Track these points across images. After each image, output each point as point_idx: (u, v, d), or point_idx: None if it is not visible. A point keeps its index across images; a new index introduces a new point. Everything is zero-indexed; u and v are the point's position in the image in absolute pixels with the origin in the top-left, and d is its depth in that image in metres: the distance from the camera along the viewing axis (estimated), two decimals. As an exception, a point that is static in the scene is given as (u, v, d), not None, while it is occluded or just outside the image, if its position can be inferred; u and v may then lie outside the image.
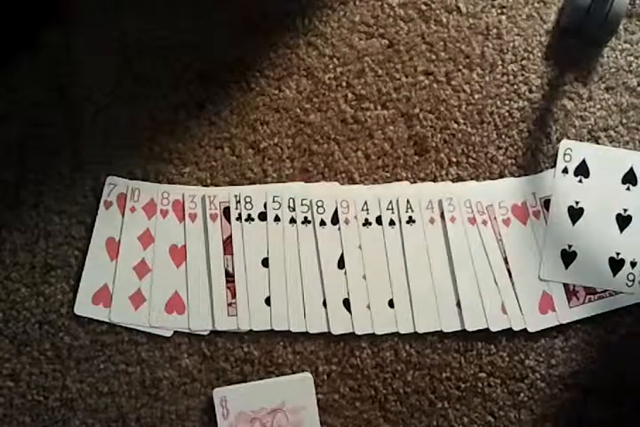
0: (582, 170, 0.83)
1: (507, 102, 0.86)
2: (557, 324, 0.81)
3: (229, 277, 0.82)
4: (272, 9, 0.88)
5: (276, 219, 0.83)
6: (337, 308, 0.81)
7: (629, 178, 0.83)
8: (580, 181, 0.83)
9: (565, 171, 0.83)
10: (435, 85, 0.87)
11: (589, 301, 0.81)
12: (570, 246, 0.82)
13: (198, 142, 0.86)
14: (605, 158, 0.84)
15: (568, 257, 0.82)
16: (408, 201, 0.83)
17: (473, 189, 0.84)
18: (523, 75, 0.87)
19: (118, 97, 0.87)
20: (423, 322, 0.81)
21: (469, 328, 0.81)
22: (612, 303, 0.81)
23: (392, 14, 0.88)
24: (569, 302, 0.81)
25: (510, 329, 0.81)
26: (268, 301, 0.81)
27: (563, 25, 0.87)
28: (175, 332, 0.82)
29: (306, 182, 0.85)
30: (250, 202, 0.83)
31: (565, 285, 0.81)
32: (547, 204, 0.83)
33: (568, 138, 0.85)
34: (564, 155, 0.84)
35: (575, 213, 0.82)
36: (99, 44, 0.88)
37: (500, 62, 0.87)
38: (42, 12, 0.88)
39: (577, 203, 0.82)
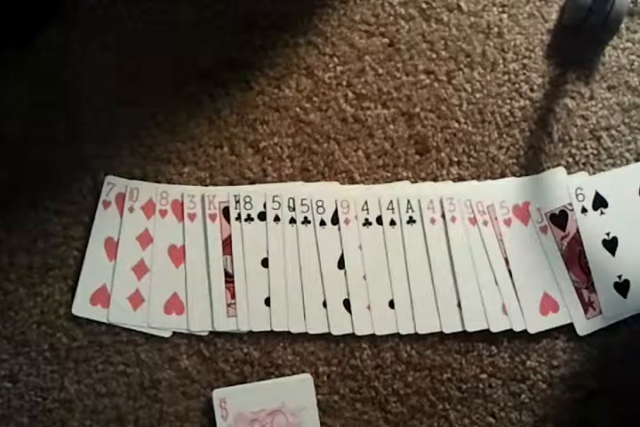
0: (599, 202, 0.82)
1: (508, 101, 0.86)
2: (560, 325, 0.81)
3: (229, 277, 0.82)
4: (272, 8, 0.88)
5: (276, 219, 0.83)
6: (337, 308, 0.81)
7: None
8: (602, 213, 0.82)
9: (584, 210, 0.82)
10: (435, 84, 0.86)
11: (606, 311, 0.81)
12: (620, 277, 0.81)
13: (198, 142, 0.85)
14: (615, 181, 0.84)
15: (622, 287, 0.81)
16: (408, 201, 0.83)
17: (474, 189, 0.84)
18: (524, 74, 0.86)
19: (118, 97, 0.86)
20: (424, 323, 0.81)
21: (470, 329, 0.80)
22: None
23: (392, 13, 0.88)
24: (586, 314, 0.80)
25: (511, 330, 0.80)
26: (267, 301, 0.81)
27: (564, 23, 0.87)
28: (174, 332, 0.81)
29: (306, 182, 0.84)
30: (249, 202, 0.83)
31: (580, 296, 0.80)
32: (552, 218, 0.82)
33: (570, 138, 0.85)
34: (577, 195, 0.82)
35: (611, 244, 0.81)
36: (99, 44, 0.88)
37: (501, 61, 0.87)
38: (42, 11, 0.87)
39: (608, 234, 0.82)
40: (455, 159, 0.85)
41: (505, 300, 0.80)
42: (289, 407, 0.79)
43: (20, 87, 0.87)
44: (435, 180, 0.84)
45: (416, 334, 0.81)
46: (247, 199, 0.83)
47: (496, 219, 0.82)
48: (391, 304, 0.81)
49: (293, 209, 0.83)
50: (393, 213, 0.83)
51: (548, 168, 0.84)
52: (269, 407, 0.79)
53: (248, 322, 0.81)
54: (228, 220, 0.83)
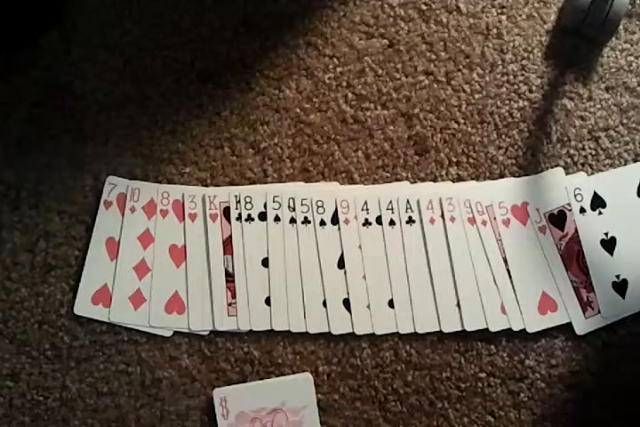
0: (597, 202, 0.83)
1: (507, 102, 0.86)
2: (559, 324, 0.81)
3: (229, 277, 0.82)
4: (272, 9, 0.88)
5: (276, 219, 0.83)
6: (337, 308, 0.81)
7: None
8: (600, 213, 0.82)
9: (582, 210, 0.82)
10: (435, 85, 0.87)
11: (605, 310, 0.81)
12: (618, 276, 0.81)
13: (198, 142, 0.86)
14: (613, 181, 0.84)
15: (621, 287, 0.81)
16: (408, 201, 0.83)
17: (473, 189, 0.84)
18: (523, 75, 0.87)
19: (118, 97, 0.87)
20: (423, 322, 0.81)
21: (469, 328, 0.81)
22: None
23: (392, 14, 0.88)
24: (584, 313, 0.81)
25: (510, 329, 0.81)
26: (267, 301, 0.81)
27: (563, 25, 0.87)
28: (175, 332, 0.82)
29: (306, 182, 0.85)
30: (250, 202, 0.83)
31: (579, 296, 0.81)
32: (551, 218, 0.82)
33: (568, 138, 0.85)
34: (575, 195, 0.83)
35: (609, 244, 0.82)
36: (99, 44, 0.88)
37: (500, 62, 0.87)
38: (45, 13, 0.88)
39: (606, 234, 0.82)
40: (454, 160, 0.85)
41: (504, 299, 0.81)
42: (289, 406, 0.79)
43: (21, 87, 0.87)
44: (434, 180, 0.85)
45: (415, 333, 0.81)
46: (248, 199, 0.83)
47: (495, 219, 0.83)
48: (390, 304, 0.81)
49: (293, 209, 0.83)
50: (392, 213, 0.83)
51: (547, 168, 0.85)
52: (270, 406, 0.79)
53: (248, 321, 0.81)
54: (228, 220, 0.83)
